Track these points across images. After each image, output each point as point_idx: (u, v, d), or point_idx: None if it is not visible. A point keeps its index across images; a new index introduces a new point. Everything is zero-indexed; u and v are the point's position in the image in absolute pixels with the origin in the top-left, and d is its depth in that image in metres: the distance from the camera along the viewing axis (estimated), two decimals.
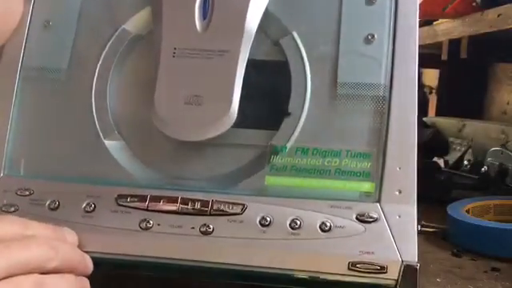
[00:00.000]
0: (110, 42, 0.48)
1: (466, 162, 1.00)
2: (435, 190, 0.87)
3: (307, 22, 0.47)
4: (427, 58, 1.24)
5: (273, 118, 0.46)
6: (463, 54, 0.98)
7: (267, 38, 0.47)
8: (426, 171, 0.92)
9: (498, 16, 0.83)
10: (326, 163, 0.44)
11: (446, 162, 1.10)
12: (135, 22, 0.49)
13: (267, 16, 0.47)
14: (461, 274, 0.56)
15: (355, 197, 0.43)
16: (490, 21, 0.86)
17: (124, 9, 0.49)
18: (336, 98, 0.45)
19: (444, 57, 1.04)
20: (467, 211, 0.70)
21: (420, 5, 1.12)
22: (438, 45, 1.06)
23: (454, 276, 0.55)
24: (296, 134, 0.45)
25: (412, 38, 0.46)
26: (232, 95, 0.44)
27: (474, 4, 0.93)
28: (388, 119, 0.44)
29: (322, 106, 0.45)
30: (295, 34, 0.46)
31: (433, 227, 0.70)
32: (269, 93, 0.47)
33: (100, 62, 0.48)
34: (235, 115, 0.44)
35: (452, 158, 1.07)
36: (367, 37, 0.46)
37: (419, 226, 0.66)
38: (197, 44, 0.46)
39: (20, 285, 0.33)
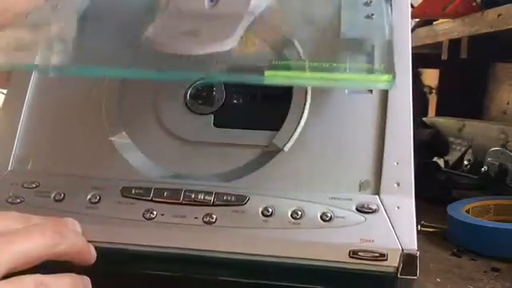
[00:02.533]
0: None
1: (466, 162, 1.00)
2: (435, 190, 0.87)
3: (307, 31, 0.49)
4: (427, 58, 1.24)
5: (275, 120, 0.47)
6: (463, 54, 0.98)
7: (269, 48, 0.49)
8: (426, 171, 0.93)
9: (498, 16, 0.83)
10: (334, 65, 0.42)
11: (446, 162, 1.11)
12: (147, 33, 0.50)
13: (270, 28, 0.49)
14: (461, 274, 0.56)
15: (355, 187, 0.44)
16: (490, 21, 0.86)
17: (137, 20, 0.51)
18: (335, 101, 0.47)
19: (444, 57, 1.04)
20: (467, 211, 0.70)
21: (420, 5, 1.12)
22: (438, 45, 1.06)
23: (453, 276, 0.56)
24: (296, 135, 0.46)
25: (406, 51, 0.48)
26: (234, 29, 0.44)
27: (473, 4, 0.93)
28: (385, 119, 0.46)
29: (322, 108, 0.47)
30: (297, 44, 0.48)
31: (433, 227, 0.70)
32: (271, 97, 0.48)
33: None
34: (234, 43, 0.43)
35: (452, 158, 1.07)
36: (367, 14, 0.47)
37: (419, 226, 0.67)
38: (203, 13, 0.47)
39: (20, 285, 0.33)
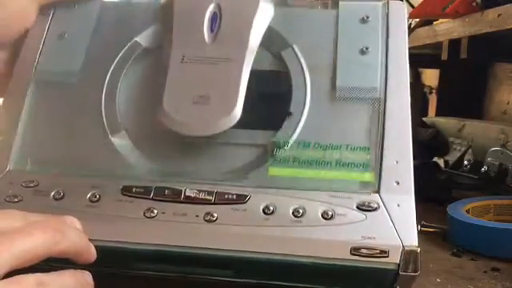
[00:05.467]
0: (122, 52, 0.51)
1: (466, 162, 1.00)
2: (435, 190, 0.87)
3: (306, 36, 0.51)
4: (427, 57, 1.23)
5: (275, 120, 0.47)
6: (463, 54, 0.97)
7: (269, 51, 0.51)
8: (426, 171, 0.93)
9: (498, 16, 0.83)
10: (326, 155, 0.46)
11: (446, 162, 1.11)
12: (146, 36, 0.52)
13: (269, 31, 0.50)
14: (461, 274, 0.56)
15: (355, 187, 0.44)
16: (490, 21, 0.86)
17: (137, 23, 0.52)
18: (335, 100, 0.47)
19: (444, 57, 1.04)
20: (467, 211, 0.70)
21: (420, 5, 1.12)
22: (438, 45, 1.05)
23: (454, 276, 0.56)
24: (297, 132, 0.46)
25: (403, 52, 0.49)
26: (237, 96, 0.46)
27: (474, 4, 0.93)
28: (384, 119, 0.46)
29: (321, 108, 0.47)
30: (295, 47, 0.50)
31: (433, 227, 0.70)
32: (272, 97, 0.50)
33: (111, 69, 0.50)
34: (239, 114, 0.46)
35: (452, 157, 1.07)
36: (362, 49, 0.49)
37: (419, 226, 0.67)
38: (204, 53, 0.49)
39: (21, 285, 0.33)
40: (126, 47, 0.51)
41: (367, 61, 0.48)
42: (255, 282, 0.43)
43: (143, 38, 0.51)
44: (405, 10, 0.51)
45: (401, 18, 0.51)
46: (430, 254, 0.62)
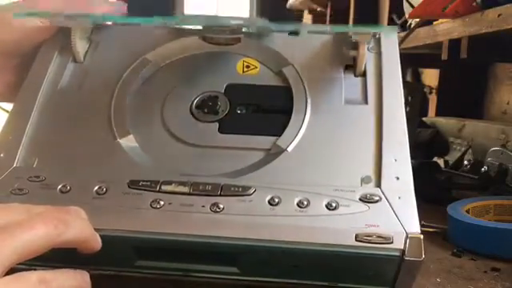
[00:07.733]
0: (132, 66, 0.53)
1: (466, 162, 1.00)
2: (435, 190, 0.87)
3: (304, 56, 0.54)
4: (427, 57, 1.23)
5: (277, 127, 0.49)
6: (463, 54, 0.97)
7: (271, 70, 0.53)
8: (426, 171, 0.93)
9: (498, 16, 0.83)
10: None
11: (446, 162, 1.11)
12: (154, 54, 0.54)
13: (270, 52, 0.54)
14: (461, 274, 0.56)
15: (357, 183, 0.45)
16: (490, 21, 0.86)
17: (145, 43, 0.55)
18: (334, 109, 0.50)
19: (444, 57, 1.04)
20: (467, 211, 0.70)
21: (420, 5, 1.11)
22: (438, 45, 1.05)
23: (454, 276, 0.56)
24: (299, 137, 0.48)
25: (396, 70, 0.52)
26: None
27: (474, 4, 0.93)
28: (381, 122, 0.49)
29: (320, 115, 0.50)
30: (295, 65, 0.53)
31: (433, 227, 0.70)
32: (272, 106, 0.52)
33: (121, 81, 0.52)
34: None
35: (452, 157, 1.07)
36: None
37: None
38: None
39: (23, 282, 0.33)
40: (136, 62, 0.53)
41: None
42: (257, 279, 0.44)
43: (151, 56, 0.54)
44: (396, 36, 0.55)
45: (393, 43, 0.54)
46: (430, 254, 0.62)
